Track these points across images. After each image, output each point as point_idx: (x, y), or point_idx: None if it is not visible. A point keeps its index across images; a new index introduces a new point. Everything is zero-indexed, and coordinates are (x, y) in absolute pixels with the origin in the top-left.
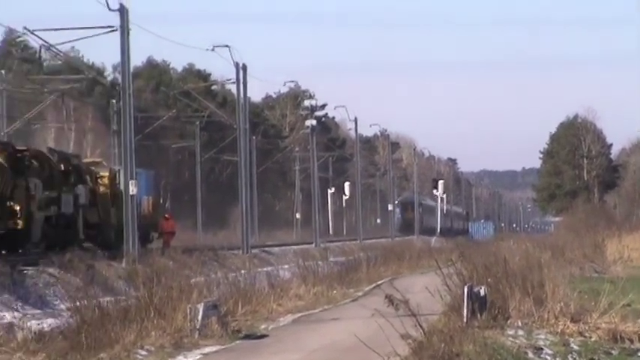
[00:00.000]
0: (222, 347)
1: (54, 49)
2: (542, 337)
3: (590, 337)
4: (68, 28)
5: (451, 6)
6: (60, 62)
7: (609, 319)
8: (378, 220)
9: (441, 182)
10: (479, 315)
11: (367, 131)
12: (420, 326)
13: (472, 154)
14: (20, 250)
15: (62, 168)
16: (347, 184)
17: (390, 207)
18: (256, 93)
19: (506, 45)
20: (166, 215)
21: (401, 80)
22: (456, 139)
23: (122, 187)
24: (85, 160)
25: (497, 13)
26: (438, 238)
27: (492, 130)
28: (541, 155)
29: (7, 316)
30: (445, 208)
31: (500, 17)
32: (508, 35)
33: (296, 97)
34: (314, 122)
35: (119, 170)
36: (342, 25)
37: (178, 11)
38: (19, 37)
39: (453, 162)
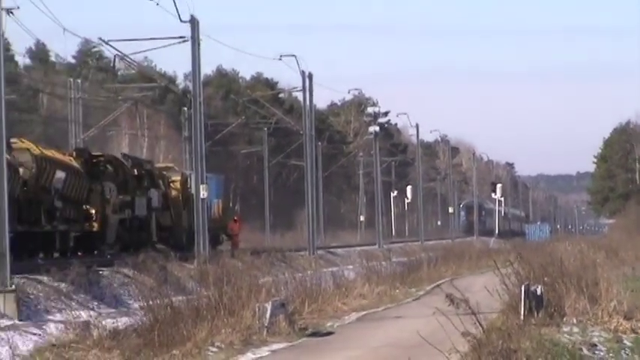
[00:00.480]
0: (290, 344)
1: (128, 59)
2: (597, 334)
3: None
4: (141, 39)
5: (508, 16)
6: (134, 71)
7: None
8: (439, 222)
9: (499, 186)
10: (535, 313)
11: (428, 137)
12: (479, 324)
13: (529, 159)
14: (96, 252)
15: (136, 173)
16: (409, 188)
17: (450, 210)
18: (322, 100)
19: (563, 53)
20: (235, 218)
21: (461, 87)
22: (514, 144)
23: (193, 191)
24: (158, 165)
25: (552, 22)
26: (496, 240)
27: (549, 136)
28: (595, 160)
29: (84, 315)
30: (503, 210)
31: (557, 26)
32: (564, 44)
33: (360, 104)
34: (377, 128)
35: (190, 175)
36: (404, 35)
37: (247, 22)
38: (95, 47)
39: (510, 166)
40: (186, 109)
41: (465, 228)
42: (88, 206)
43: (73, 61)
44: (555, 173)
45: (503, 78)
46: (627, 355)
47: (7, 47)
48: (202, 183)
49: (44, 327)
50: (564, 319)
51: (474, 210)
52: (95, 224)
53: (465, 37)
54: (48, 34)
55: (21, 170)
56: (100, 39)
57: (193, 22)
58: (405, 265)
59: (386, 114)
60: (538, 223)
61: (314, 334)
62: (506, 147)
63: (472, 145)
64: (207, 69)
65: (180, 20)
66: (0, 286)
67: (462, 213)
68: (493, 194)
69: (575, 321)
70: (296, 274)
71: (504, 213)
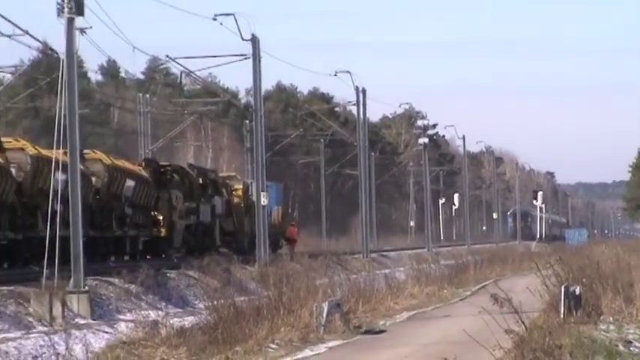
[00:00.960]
0: (345, 342)
1: (193, 75)
2: (632, 331)
3: None
4: (206, 56)
5: (551, 35)
6: (199, 87)
7: None
8: (484, 227)
9: (540, 193)
10: (574, 312)
11: (474, 148)
12: (522, 322)
13: (569, 168)
14: (163, 255)
15: (201, 181)
16: (456, 195)
17: (494, 216)
18: (374, 113)
19: (600, 68)
20: (293, 223)
21: (506, 101)
22: (554, 154)
23: (254, 198)
24: (222, 175)
25: (590, 42)
26: (537, 244)
27: (587, 146)
28: (630, 168)
29: (152, 314)
30: (545, 216)
31: (591, 46)
32: (600, 60)
33: (410, 117)
34: (426, 140)
35: (252, 183)
36: (453, 51)
37: (305, 40)
38: (162, 64)
39: (551, 175)
40: (247, 121)
41: (512, 233)
42: (156, 213)
43: (141, 77)
44: (593, 181)
45: (545, 92)
46: None
47: (80, 64)
48: (263, 191)
49: (115, 326)
50: (601, 317)
51: (523, 217)
52: (163, 229)
53: (509, 53)
54: (118, 52)
55: (94, 179)
56: (167, 56)
57: (254, 41)
58: (452, 268)
59: (434, 126)
60: (576, 228)
61: (367, 332)
62: (547, 157)
63: (515, 155)
64: (267, 84)
65: (242, 39)
66: (74, 287)
67: (510, 220)
68: (534, 201)
69: (611, 319)
70: (350, 276)
71: (546, 219)
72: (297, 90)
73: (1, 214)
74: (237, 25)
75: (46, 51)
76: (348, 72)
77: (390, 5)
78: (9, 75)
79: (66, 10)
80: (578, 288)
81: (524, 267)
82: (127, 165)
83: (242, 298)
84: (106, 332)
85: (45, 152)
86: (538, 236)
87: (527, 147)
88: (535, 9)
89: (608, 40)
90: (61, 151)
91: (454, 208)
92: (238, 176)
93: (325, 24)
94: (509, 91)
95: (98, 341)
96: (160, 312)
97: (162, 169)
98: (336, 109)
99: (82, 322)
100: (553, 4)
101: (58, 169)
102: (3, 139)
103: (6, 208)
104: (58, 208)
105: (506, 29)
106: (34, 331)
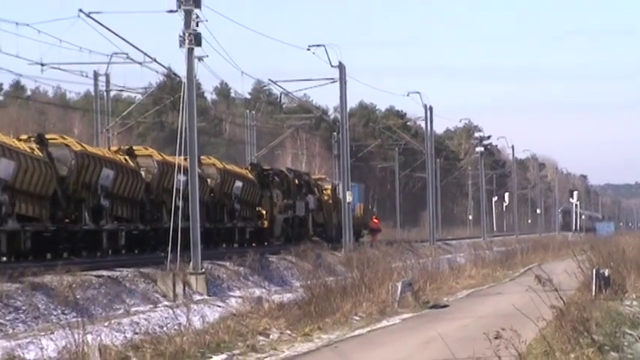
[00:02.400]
0: (415, 314)
1: (291, 95)
2: None
3: None
4: (301, 80)
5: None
6: (295, 104)
7: None
8: (529, 221)
9: (575, 192)
10: (604, 290)
11: (521, 155)
12: (561, 298)
13: (599, 171)
14: (266, 243)
15: (296, 182)
16: (506, 194)
17: (538, 211)
18: (439, 127)
19: (633, 90)
20: (375, 218)
21: (547, 115)
22: (588, 160)
23: (341, 196)
24: (314, 177)
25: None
26: (573, 234)
27: (615, 152)
28: None
29: (257, 292)
30: (580, 212)
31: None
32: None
33: (469, 130)
34: (482, 149)
35: (338, 184)
36: (502, 75)
37: (382, 65)
38: (265, 86)
39: (584, 177)
40: (335, 133)
41: (561, 226)
42: (260, 208)
43: (248, 96)
44: (619, 182)
45: (581, 108)
46: None
47: (198, 86)
48: (348, 190)
49: (227, 301)
50: (626, 295)
51: (570, 213)
52: (266, 222)
53: (551, 77)
54: (230, 76)
55: (209, 181)
56: (270, 80)
57: (341, 67)
58: (503, 253)
59: (489, 137)
60: (605, 221)
61: (434, 307)
62: (581, 161)
63: (555, 160)
64: (351, 102)
65: (331, 65)
66: (193, 269)
67: (560, 215)
68: (570, 199)
69: (634, 296)
70: (420, 260)
71: (583, 214)
72: (376, 107)
73: (133, 209)
74: (327, 54)
75: (170, 75)
76: (418, 93)
77: (453, 35)
78: (140, 95)
79: (186, 41)
80: (606, 270)
81: (562, 253)
82: (236, 169)
83: (331, 279)
84: (219, 306)
85: (169, 158)
86: (573, 228)
87: (565, 153)
88: (568, 45)
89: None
90: (182, 157)
91: (504, 204)
92: (327, 178)
93: (398, 51)
94: (550, 107)
95: (213, 314)
96: (263, 290)
97: (265, 173)
98: (408, 123)
99: (199, 298)
100: (588, 38)
101: (180, 172)
102: (134, 148)
103: (137, 204)
104: (180, 204)
105: (550, 57)
106: (160, 305)
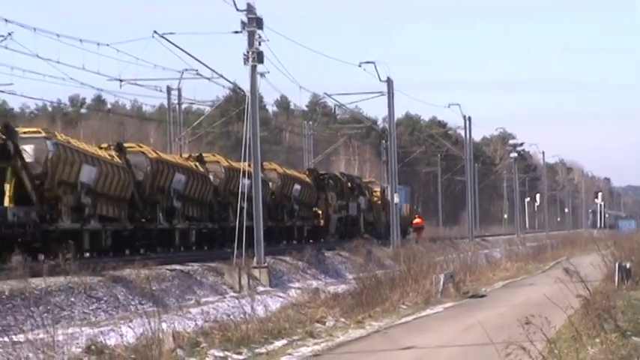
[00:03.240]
0: (456, 303)
1: (344, 107)
2: None
3: None
4: (353, 93)
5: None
6: (348, 115)
7: None
8: (558, 219)
9: (599, 193)
10: (625, 281)
11: (550, 160)
12: (587, 288)
13: (621, 173)
14: (322, 240)
15: (349, 185)
16: (537, 195)
17: (566, 210)
18: (477, 134)
19: None
20: (420, 217)
21: (574, 123)
22: (611, 163)
23: (389, 198)
24: (365, 180)
25: None
26: (598, 231)
27: (636, 155)
28: None
29: (314, 284)
30: (605, 211)
31: None
32: None
33: (503, 137)
34: (516, 155)
35: (387, 187)
36: (532, 87)
37: (427, 79)
38: (321, 99)
39: (607, 179)
40: (384, 141)
41: (591, 224)
42: (316, 208)
43: (305, 108)
44: None
45: (605, 116)
46: None
47: (260, 100)
48: (395, 192)
49: (287, 292)
50: None
51: (599, 213)
52: (322, 221)
53: (575, 90)
54: (289, 90)
55: (270, 184)
56: (325, 93)
57: (389, 82)
58: (535, 249)
59: (522, 144)
60: (627, 219)
61: (473, 297)
62: (605, 164)
63: (581, 164)
64: (398, 113)
65: (380, 80)
66: (257, 263)
67: (590, 215)
68: (595, 200)
69: None
70: (460, 255)
71: (607, 213)
72: (421, 118)
73: (202, 210)
74: (376, 70)
75: (236, 90)
76: (458, 104)
77: (489, 49)
78: (208, 107)
79: (250, 59)
80: (628, 263)
81: (588, 248)
82: (295, 173)
83: (380, 272)
84: (280, 297)
85: (234, 164)
86: (598, 225)
87: (590, 157)
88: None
89: None
90: (246, 163)
91: (536, 204)
92: (377, 181)
93: (441, 66)
94: (576, 117)
95: (274, 303)
96: (319, 282)
97: (321, 177)
98: (449, 132)
99: (262, 289)
100: (609, 57)
101: (244, 176)
102: (204, 155)
103: (206, 205)
104: (245, 205)
105: (574, 70)
106: (227, 296)
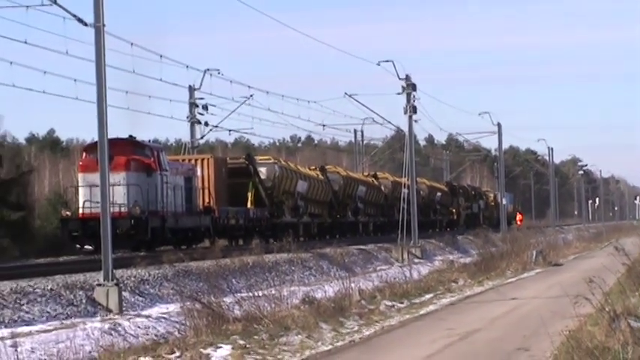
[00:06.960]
0: (543, 270)
1: (469, 141)
2: None
3: None
4: (474, 132)
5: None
6: (471, 147)
7: None
8: (610, 214)
9: (638, 197)
10: None
11: (606, 174)
12: (629, 259)
13: None
14: (455, 229)
15: (473, 193)
16: (597, 199)
17: (615, 208)
18: (557, 158)
19: None
20: (519, 213)
21: (629, 136)
22: None
23: (499, 201)
24: (483, 189)
25: None
26: (637, 222)
27: None
28: None
29: (450, 257)
30: None
31: None
32: None
33: (574, 161)
34: (582, 172)
35: (497, 193)
36: (599, 127)
37: (525, 122)
38: (454, 136)
39: None
40: (495, 164)
41: (632, 217)
42: (451, 208)
43: (444, 142)
44: None
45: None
46: None
47: (415, 137)
48: (503, 197)
49: (433, 262)
50: None
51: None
52: (455, 216)
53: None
54: (433, 130)
55: (421, 192)
56: (457, 133)
57: (499, 126)
58: (595, 234)
59: (586, 165)
60: None
61: (555, 265)
62: None
63: (625, 177)
64: (504, 145)
65: (492, 124)
66: (413, 244)
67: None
68: (635, 201)
69: None
70: (546, 238)
71: None
72: (519, 148)
73: (324, 208)
74: (490, 117)
75: (398, 130)
76: (544, 139)
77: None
78: (381, 142)
79: (408, 111)
80: None
81: (631, 233)
82: (436, 184)
83: (493, 249)
84: (428, 265)
85: (352, 174)
86: (637, 217)
87: (633, 172)
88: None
89: None
90: (405, 178)
91: (596, 205)
92: (491, 190)
93: (536, 110)
94: (626, 147)
95: (424, 270)
96: (454, 256)
97: (454, 187)
98: (538, 157)
99: (417, 261)
100: None
101: (404, 187)
102: (377, 173)
103: (326, 205)
104: (405, 205)
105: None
106: (394, 265)
